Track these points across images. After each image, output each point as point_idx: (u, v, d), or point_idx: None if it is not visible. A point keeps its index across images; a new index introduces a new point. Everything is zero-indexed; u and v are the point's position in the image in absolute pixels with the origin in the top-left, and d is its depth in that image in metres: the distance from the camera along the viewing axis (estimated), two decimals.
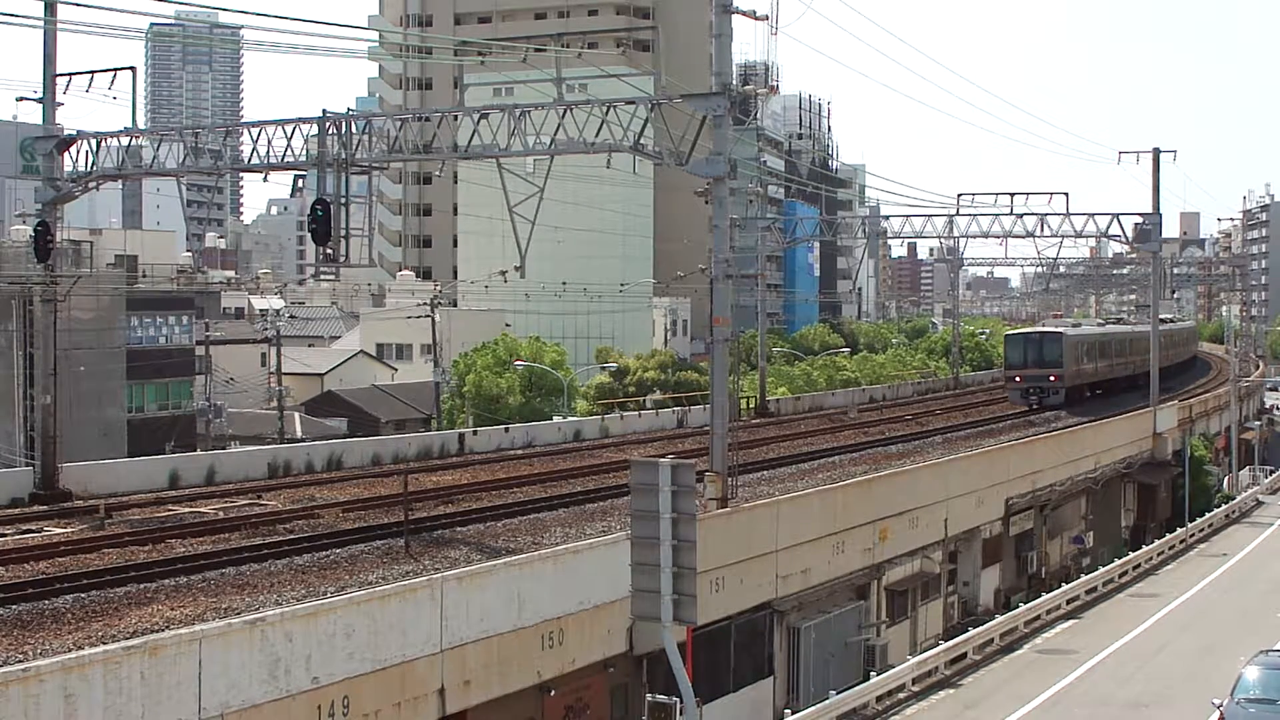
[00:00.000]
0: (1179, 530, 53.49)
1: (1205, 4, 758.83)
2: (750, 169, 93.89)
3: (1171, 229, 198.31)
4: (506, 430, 48.80)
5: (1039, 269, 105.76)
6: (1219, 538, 56.08)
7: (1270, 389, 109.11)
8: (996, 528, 43.01)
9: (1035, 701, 30.28)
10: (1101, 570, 44.84)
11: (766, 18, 28.74)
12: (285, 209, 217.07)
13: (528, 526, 29.19)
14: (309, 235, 31.82)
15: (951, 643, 34.49)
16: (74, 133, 34.00)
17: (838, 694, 28.77)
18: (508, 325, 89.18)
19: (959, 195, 56.62)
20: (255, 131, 31.92)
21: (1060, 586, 42.43)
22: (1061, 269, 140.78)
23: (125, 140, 33.84)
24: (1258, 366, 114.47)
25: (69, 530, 28.77)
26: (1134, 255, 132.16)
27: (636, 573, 20.50)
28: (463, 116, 31.52)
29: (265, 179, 36.33)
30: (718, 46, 28.81)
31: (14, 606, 20.96)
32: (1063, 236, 55.18)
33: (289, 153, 31.46)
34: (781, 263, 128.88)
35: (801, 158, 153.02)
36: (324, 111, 31.06)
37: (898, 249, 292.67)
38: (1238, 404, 77.12)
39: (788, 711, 27.87)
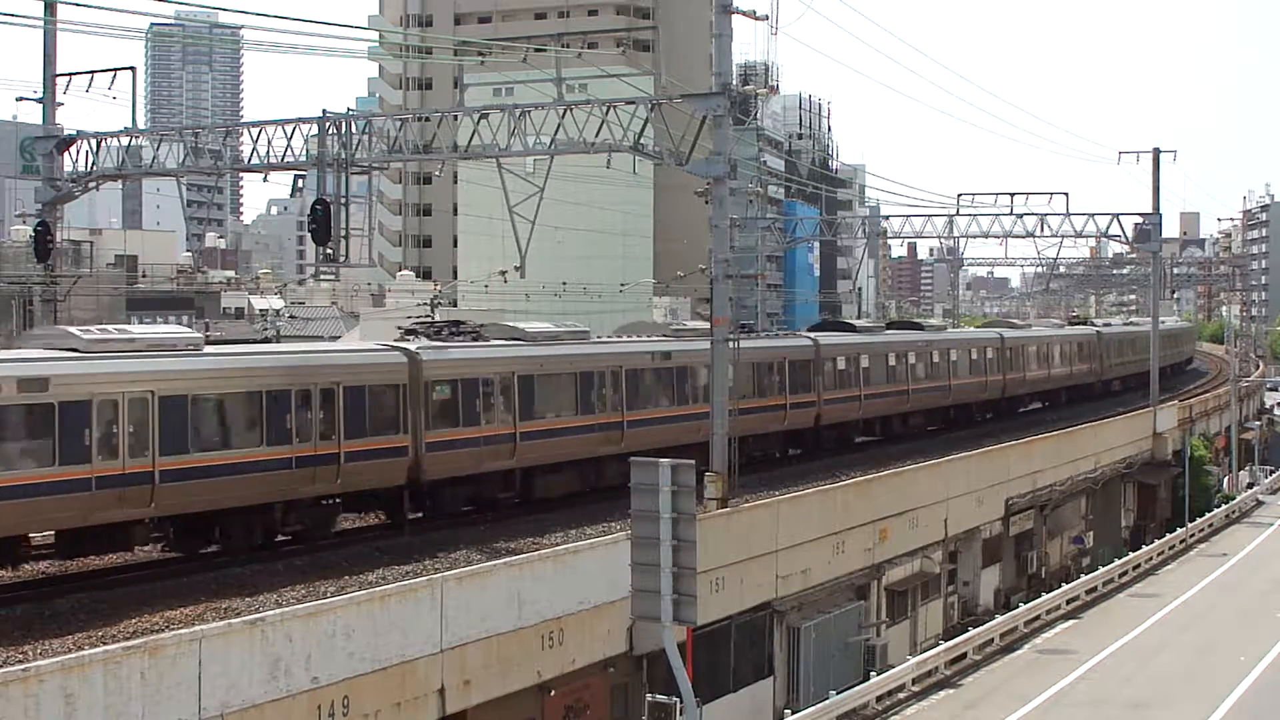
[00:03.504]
0: (1179, 530, 53.45)
1: (1205, 4, 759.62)
2: (750, 169, 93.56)
3: (1171, 229, 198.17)
4: None
5: (1039, 269, 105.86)
6: (1219, 538, 56.04)
7: (1270, 389, 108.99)
8: (996, 528, 42.99)
9: (1035, 701, 30.28)
10: (1101, 570, 44.81)
11: (766, 18, 28.71)
12: (285, 209, 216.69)
13: (528, 526, 29.17)
14: (309, 235, 31.85)
15: (951, 643, 34.48)
16: (74, 133, 34.02)
17: (838, 694, 28.76)
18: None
19: (959, 195, 56.53)
20: (255, 131, 31.95)
21: (1060, 586, 42.42)
22: (1061, 269, 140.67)
23: (125, 140, 33.88)
24: (1258, 366, 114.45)
25: None
26: (1134, 255, 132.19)
27: (636, 573, 20.50)
28: (463, 116, 31.55)
29: (265, 179, 36.49)
30: (718, 46, 28.78)
31: (14, 607, 20.96)
32: (1063, 236, 55.11)
33: (289, 153, 31.49)
34: (781, 263, 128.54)
35: (801, 158, 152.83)
36: (324, 111, 31.10)
37: (898, 249, 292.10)
38: (1238, 404, 77.08)
39: (788, 711, 27.87)
